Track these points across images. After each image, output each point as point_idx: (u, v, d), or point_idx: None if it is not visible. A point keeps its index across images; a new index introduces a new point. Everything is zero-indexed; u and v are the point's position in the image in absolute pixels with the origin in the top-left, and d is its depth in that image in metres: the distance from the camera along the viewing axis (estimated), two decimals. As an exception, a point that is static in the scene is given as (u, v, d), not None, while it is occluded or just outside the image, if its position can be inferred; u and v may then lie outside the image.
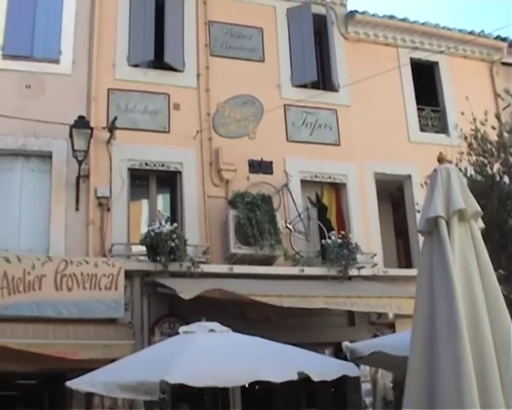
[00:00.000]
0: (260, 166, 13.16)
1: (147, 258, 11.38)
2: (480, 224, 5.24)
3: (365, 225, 13.63)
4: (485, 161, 10.72)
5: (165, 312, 11.43)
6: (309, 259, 12.74)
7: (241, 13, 14.11)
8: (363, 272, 12.72)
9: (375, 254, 13.24)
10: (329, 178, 13.81)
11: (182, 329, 8.25)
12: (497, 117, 11.67)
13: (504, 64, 16.35)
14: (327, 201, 14.00)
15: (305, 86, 14.40)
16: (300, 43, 14.44)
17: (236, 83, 13.54)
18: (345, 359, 8.40)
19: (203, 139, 12.93)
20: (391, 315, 12.31)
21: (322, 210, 13.87)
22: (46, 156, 11.86)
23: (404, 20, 15.47)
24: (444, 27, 15.70)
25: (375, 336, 11.37)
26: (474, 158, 10.85)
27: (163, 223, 11.61)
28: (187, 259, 11.41)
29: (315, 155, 13.63)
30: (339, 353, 11.25)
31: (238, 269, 11.76)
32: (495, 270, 5.04)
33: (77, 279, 10.45)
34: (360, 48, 15.05)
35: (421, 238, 5.34)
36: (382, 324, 12.55)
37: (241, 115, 13.40)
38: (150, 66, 13.35)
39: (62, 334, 9.89)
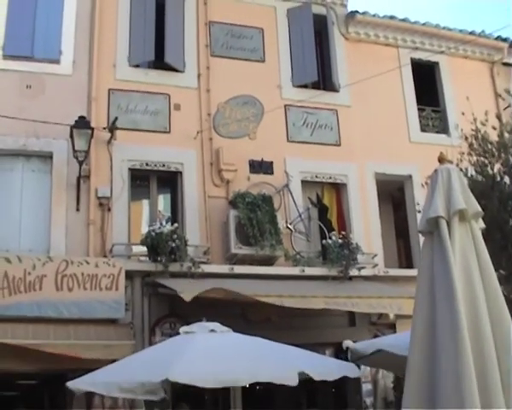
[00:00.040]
0: (261, 167, 13.16)
1: (147, 258, 11.38)
2: (481, 224, 5.24)
3: (366, 226, 13.63)
4: (486, 162, 10.73)
5: (166, 312, 11.43)
6: (309, 259, 12.74)
7: (241, 13, 14.11)
8: (364, 273, 12.72)
9: (375, 255, 13.24)
10: (330, 178, 13.81)
11: (182, 329, 8.25)
12: (498, 117, 11.69)
13: (505, 64, 16.35)
14: (327, 201, 14.00)
15: (305, 86, 14.41)
16: (301, 43, 14.44)
17: (237, 83, 13.54)
18: (345, 359, 8.40)
19: (204, 139, 12.93)
20: (392, 316, 12.31)
21: (322, 210, 13.87)
22: (47, 157, 11.87)
23: (404, 20, 15.47)
24: (444, 28, 15.71)
25: (376, 336, 11.35)
26: (475, 158, 10.85)
27: (164, 223, 11.61)
28: (187, 259, 11.41)
29: (315, 156, 13.63)
30: (339, 353, 11.26)
31: (239, 269, 11.76)
32: (495, 270, 5.04)
33: (77, 280, 10.45)
34: (361, 48, 15.05)
35: (421, 238, 5.33)
36: (383, 324, 12.55)
37: (241, 116, 13.40)
38: (151, 66, 13.35)
39: (63, 334, 9.89)
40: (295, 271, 12.24)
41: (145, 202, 13.00)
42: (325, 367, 7.66)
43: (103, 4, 12.96)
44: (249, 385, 11.57)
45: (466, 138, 10.99)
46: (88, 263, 10.68)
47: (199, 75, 13.38)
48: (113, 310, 10.61)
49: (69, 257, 10.71)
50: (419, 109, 15.21)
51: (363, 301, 10.99)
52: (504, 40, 16.13)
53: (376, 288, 12.05)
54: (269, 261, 12.20)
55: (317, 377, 7.16)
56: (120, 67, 12.84)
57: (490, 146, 10.82)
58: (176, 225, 11.63)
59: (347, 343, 8.27)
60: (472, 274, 4.77)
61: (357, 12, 15.00)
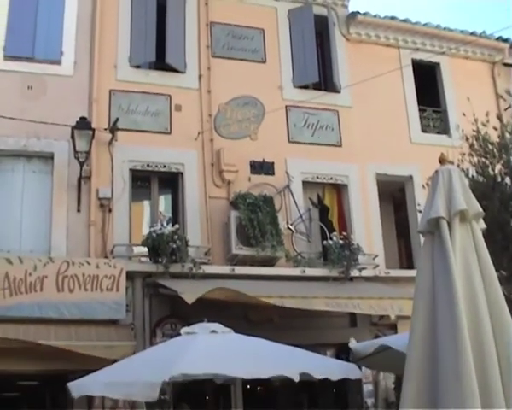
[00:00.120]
0: (262, 168, 13.17)
1: (148, 259, 11.39)
2: (482, 225, 5.23)
3: (367, 226, 13.63)
4: (487, 162, 10.73)
5: (167, 313, 11.43)
6: (310, 260, 12.74)
7: (242, 14, 14.12)
8: (365, 273, 12.71)
9: (376, 255, 13.24)
10: (331, 179, 13.81)
11: (183, 330, 8.27)
12: (499, 118, 11.70)
13: (506, 65, 16.35)
14: (328, 202, 14.00)
15: (306, 87, 14.40)
16: (302, 44, 14.44)
17: (238, 84, 13.55)
18: (346, 360, 8.40)
19: (205, 140, 12.94)
20: (393, 316, 12.30)
21: (323, 211, 13.86)
22: (48, 157, 11.87)
23: (405, 21, 15.47)
24: (445, 28, 15.71)
25: (377, 337, 11.33)
26: (476, 159, 10.85)
27: (165, 224, 11.60)
28: (188, 260, 11.42)
29: (316, 156, 13.63)
30: (340, 354, 11.28)
31: (240, 270, 11.77)
32: (496, 271, 5.03)
33: (78, 280, 10.46)
34: (362, 49, 15.05)
35: (422, 239, 5.33)
36: (384, 325, 12.53)
37: (242, 116, 13.40)
38: (152, 67, 13.36)
39: (64, 335, 9.89)
40: (296, 271, 12.24)
41: (146, 203, 13.01)
42: (326, 368, 7.66)
43: (104, 5, 12.97)
44: (250, 385, 11.62)
45: (467, 139, 10.99)
46: (89, 264, 10.69)
47: (200, 76, 13.38)
48: (114, 311, 10.62)
49: (70, 258, 10.72)
50: (420, 110, 15.21)
51: (364, 302, 10.99)
52: (505, 41, 16.13)
53: (377, 289, 12.05)
54: (270, 262, 12.20)
55: (318, 376, 7.17)
56: (121, 67, 12.84)
57: (491, 147, 10.82)
58: (177, 225, 11.63)
59: (353, 343, 8.28)
60: (473, 275, 4.76)
61: (358, 13, 15.00)
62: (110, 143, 12.08)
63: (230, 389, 11.23)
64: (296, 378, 6.87)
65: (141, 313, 11.25)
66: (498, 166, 10.64)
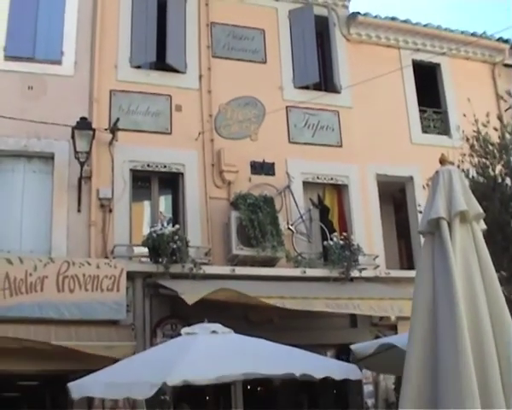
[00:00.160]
0: (262, 168, 13.17)
1: (149, 259, 11.38)
2: (482, 225, 5.24)
3: (367, 227, 13.63)
4: (487, 163, 10.73)
5: (168, 313, 11.42)
6: (311, 260, 12.74)
7: (242, 14, 14.12)
8: (365, 274, 12.71)
9: (377, 256, 13.24)
10: (331, 179, 13.80)
11: (184, 330, 8.27)
12: (499, 119, 11.68)
13: (506, 66, 16.35)
14: (329, 202, 13.99)
15: (307, 88, 14.40)
16: (302, 44, 14.44)
17: (238, 84, 13.55)
18: (347, 360, 8.40)
19: (205, 141, 12.94)
20: (393, 317, 12.30)
21: (324, 212, 13.86)
22: (48, 158, 11.87)
23: (406, 21, 15.46)
24: (446, 29, 15.71)
25: (377, 337, 11.35)
26: (476, 160, 10.85)
27: (165, 224, 11.59)
28: (189, 260, 11.41)
29: (317, 157, 13.62)
30: (341, 354, 11.28)
31: (240, 271, 11.77)
32: (497, 271, 5.04)
33: (79, 281, 10.45)
34: (362, 49, 15.05)
35: (423, 240, 5.33)
36: (384, 325, 12.53)
37: (243, 117, 13.40)
38: (152, 67, 13.36)
39: (64, 335, 9.88)
40: (297, 272, 12.23)
41: (146, 204, 13.01)
42: (327, 369, 7.66)
43: (105, 5, 12.98)
44: (250, 386, 11.62)
45: (467, 140, 10.99)
46: (89, 264, 10.69)
47: (200, 76, 13.38)
48: (115, 311, 10.62)
49: (70, 258, 10.72)
50: (420, 111, 15.20)
51: (364, 303, 10.99)
52: (506, 41, 16.12)
53: (378, 289, 12.05)
54: (270, 263, 12.19)
55: (318, 376, 7.18)
56: (122, 68, 12.85)
57: (491, 147, 10.82)
58: (177, 226, 11.63)
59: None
60: (473, 275, 4.76)
61: (358, 13, 15.00)
62: (110, 143, 12.08)
63: (231, 389, 11.24)
64: (297, 373, 6.90)
65: (141, 313, 11.24)
66: (499, 167, 10.64)
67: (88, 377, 7.69)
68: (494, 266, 4.95)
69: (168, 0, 13.57)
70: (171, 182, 12.92)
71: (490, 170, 10.64)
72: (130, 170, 12.29)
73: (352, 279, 12.54)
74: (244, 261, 11.97)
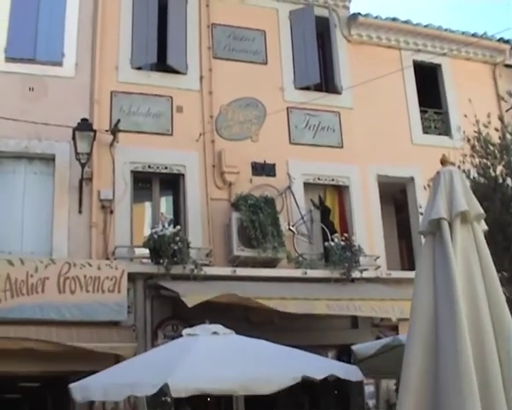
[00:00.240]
0: (263, 169, 13.17)
1: (150, 261, 11.38)
2: (483, 226, 5.23)
3: (368, 228, 13.62)
4: (488, 163, 10.73)
5: (169, 314, 11.42)
6: (312, 261, 12.73)
7: (243, 15, 14.12)
8: (366, 275, 12.71)
9: (378, 257, 13.23)
10: (332, 180, 13.80)
11: (185, 331, 8.27)
12: (500, 119, 11.67)
13: (507, 66, 16.34)
14: (330, 203, 13.99)
15: (307, 89, 14.40)
16: (303, 45, 14.44)
17: (239, 85, 13.55)
18: (348, 361, 8.39)
19: (206, 142, 12.94)
20: (394, 318, 12.29)
21: (325, 212, 13.85)
22: (49, 159, 11.88)
23: (406, 22, 15.46)
24: (446, 29, 15.71)
25: (378, 338, 11.35)
26: (477, 160, 10.85)
27: (166, 225, 11.60)
28: (190, 261, 11.41)
29: (318, 158, 13.62)
30: (342, 355, 11.28)
31: (241, 271, 11.77)
32: (498, 272, 5.03)
33: (80, 282, 10.45)
34: (363, 50, 15.05)
35: (423, 240, 5.33)
36: (385, 326, 12.51)
37: (244, 118, 13.40)
38: (153, 68, 13.36)
39: (65, 337, 9.88)
40: (298, 273, 12.23)
41: (147, 205, 13.01)
42: (327, 369, 7.66)
43: (106, 7, 12.99)
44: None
45: (468, 140, 10.99)
46: (90, 265, 10.69)
47: (201, 77, 13.39)
48: (116, 313, 10.62)
49: (71, 259, 10.72)
50: (421, 111, 15.20)
51: (365, 304, 10.99)
52: (506, 42, 16.12)
53: (379, 290, 12.05)
54: (271, 264, 12.19)
55: (319, 377, 7.18)
56: (123, 69, 12.85)
57: (492, 148, 10.81)
58: (178, 227, 11.62)
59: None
60: (474, 275, 4.76)
61: (359, 14, 15.00)
62: (111, 144, 12.09)
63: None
64: (298, 378, 6.90)
65: (142, 314, 11.24)
66: (500, 168, 10.64)
67: (89, 379, 7.70)
68: (495, 266, 4.95)
69: (169, 1, 13.59)
70: (171, 183, 12.92)
71: (491, 170, 10.64)
72: (131, 171, 12.29)
73: (353, 280, 12.54)
74: (245, 262, 11.97)
